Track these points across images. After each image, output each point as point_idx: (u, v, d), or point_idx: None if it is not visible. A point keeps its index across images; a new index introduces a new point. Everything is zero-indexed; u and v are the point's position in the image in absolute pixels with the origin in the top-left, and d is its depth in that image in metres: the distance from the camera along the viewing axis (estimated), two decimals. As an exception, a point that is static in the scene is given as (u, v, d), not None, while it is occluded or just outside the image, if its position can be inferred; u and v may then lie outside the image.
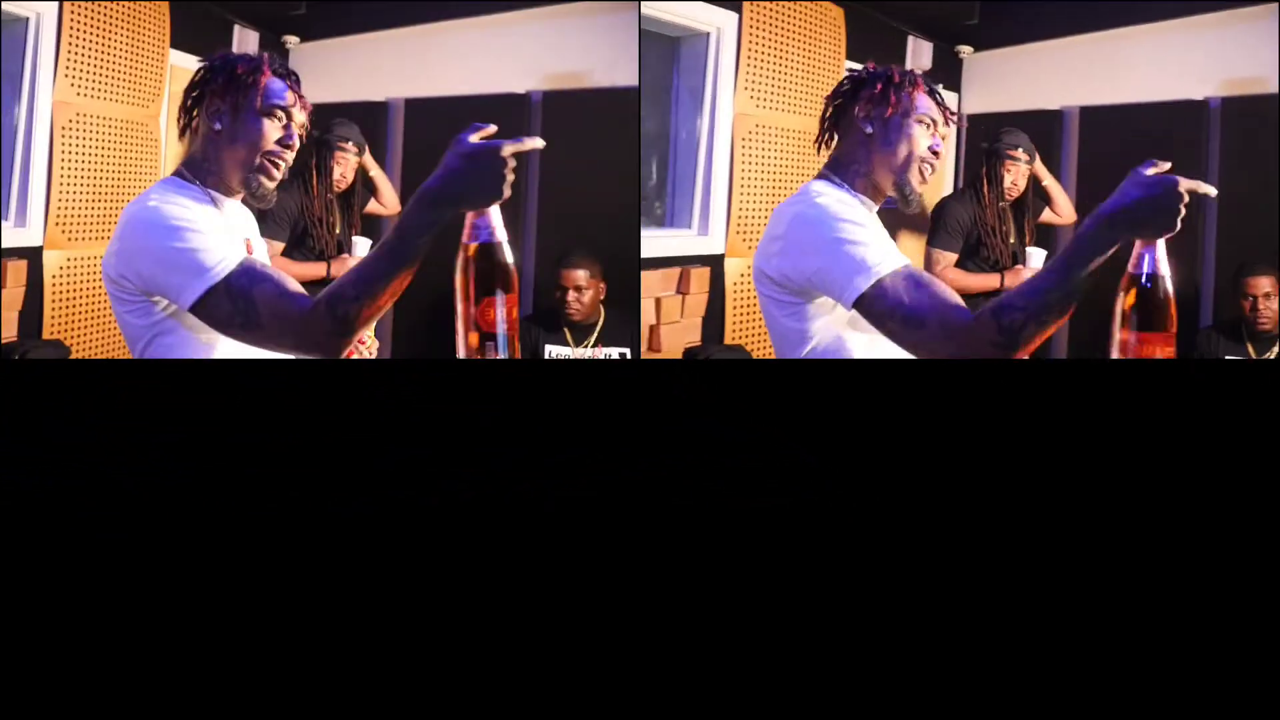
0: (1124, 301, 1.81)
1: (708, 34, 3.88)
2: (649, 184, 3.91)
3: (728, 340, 3.91)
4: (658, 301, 3.77)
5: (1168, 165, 1.84)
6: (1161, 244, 1.82)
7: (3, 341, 3.36)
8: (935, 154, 2.09)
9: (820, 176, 2.10)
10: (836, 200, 2.02)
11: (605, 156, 3.75)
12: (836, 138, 2.12)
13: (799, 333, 2.05)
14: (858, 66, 2.20)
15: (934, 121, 2.09)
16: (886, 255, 1.93)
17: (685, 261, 3.85)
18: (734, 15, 3.87)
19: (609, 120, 3.77)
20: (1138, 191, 1.81)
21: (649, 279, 3.75)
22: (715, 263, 3.92)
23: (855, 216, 1.98)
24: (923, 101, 2.09)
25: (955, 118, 2.16)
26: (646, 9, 3.67)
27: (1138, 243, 1.82)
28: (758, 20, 3.92)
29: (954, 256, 3.83)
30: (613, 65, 3.86)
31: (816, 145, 2.15)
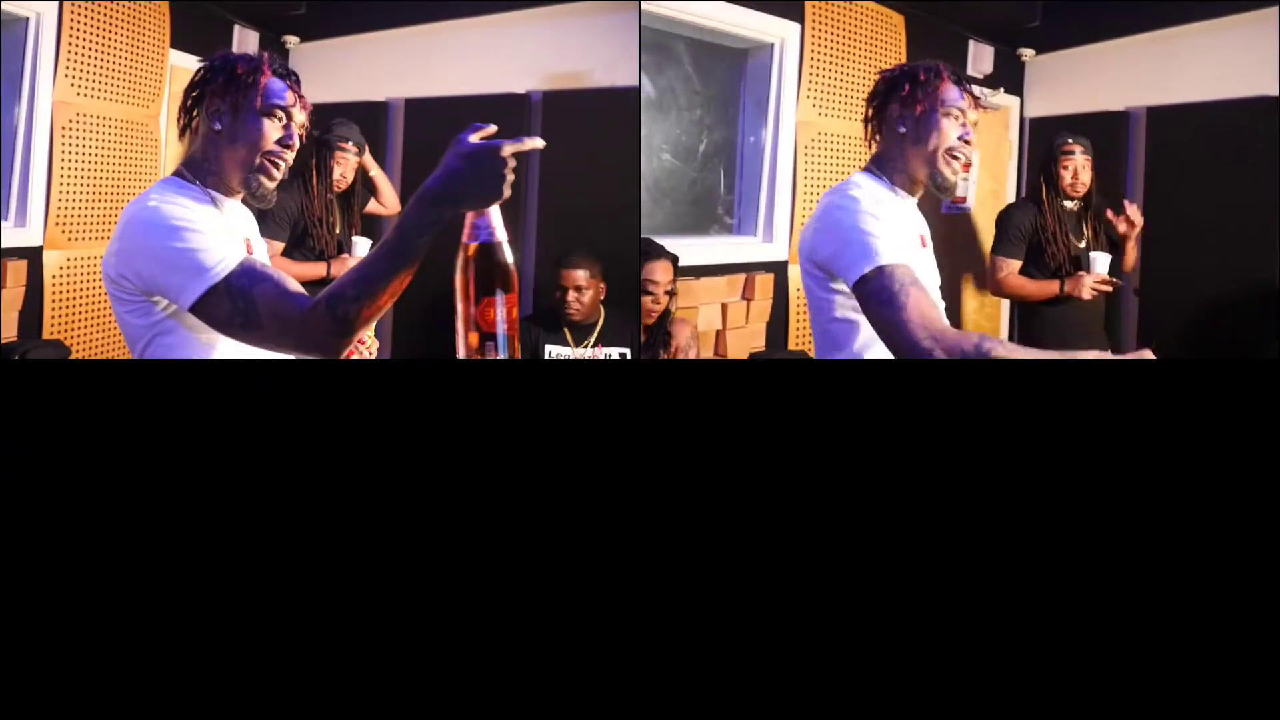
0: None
1: (772, 45, 3.92)
2: (717, 192, 3.96)
3: (791, 346, 3.96)
4: (724, 307, 3.84)
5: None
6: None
7: (3, 341, 3.36)
8: (966, 142, 2.23)
9: (865, 169, 2.29)
10: (868, 194, 2.18)
11: (605, 156, 3.74)
12: (880, 136, 2.29)
13: (827, 302, 2.20)
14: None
15: (962, 111, 2.22)
16: (894, 250, 2.07)
17: (750, 268, 3.91)
18: (797, 26, 3.90)
19: (609, 120, 3.77)
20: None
21: (715, 285, 3.80)
22: (779, 269, 3.97)
23: (878, 210, 2.13)
24: (950, 93, 2.22)
25: (982, 103, 2.30)
26: (713, 14, 3.71)
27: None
28: (819, 30, 3.96)
29: (1016, 263, 3.79)
30: (613, 65, 3.86)
31: (867, 144, 2.32)
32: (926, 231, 2.32)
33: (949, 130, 2.21)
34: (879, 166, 2.27)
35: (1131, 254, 3.86)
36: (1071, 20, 4.28)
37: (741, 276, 3.89)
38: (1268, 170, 3.82)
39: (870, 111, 2.31)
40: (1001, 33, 4.47)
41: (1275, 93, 3.85)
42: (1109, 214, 3.82)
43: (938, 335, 1.99)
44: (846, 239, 2.10)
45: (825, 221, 2.19)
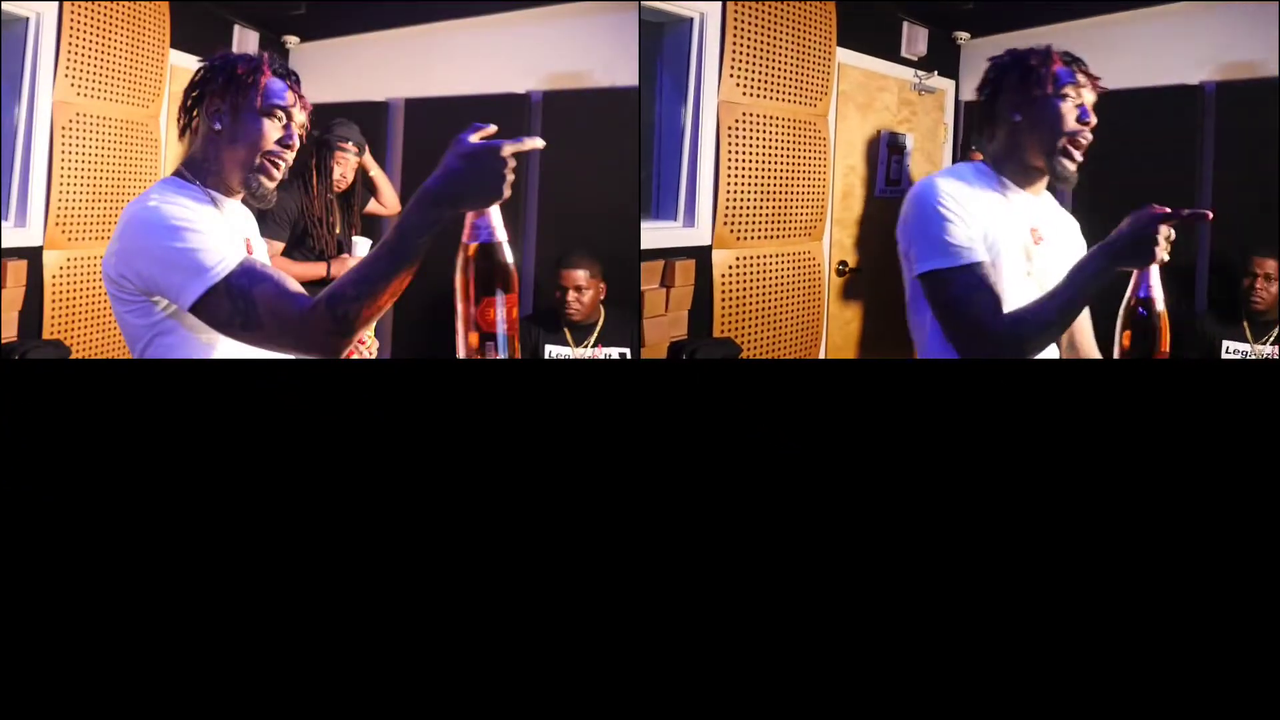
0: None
1: (691, 20, 3.77)
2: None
3: (716, 333, 3.82)
4: (640, 295, 3.65)
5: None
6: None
7: (3, 341, 3.36)
8: (1085, 124, 2.18)
9: (973, 162, 2.25)
10: (952, 186, 2.13)
11: (605, 156, 3.74)
12: (992, 128, 2.23)
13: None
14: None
15: (1078, 92, 2.18)
16: (963, 250, 2.08)
17: (671, 254, 3.73)
18: (718, 2, 3.77)
19: (609, 120, 3.77)
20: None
21: (629, 272, 3.67)
22: (702, 254, 3.80)
23: (958, 209, 2.10)
24: (1063, 73, 2.17)
25: (1099, 81, 2.23)
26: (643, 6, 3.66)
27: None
28: (744, 6, 3.82)
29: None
30: (613, 65, 3.85)
31: (979, 136, 2.27)
32: (1045, 225, 2.24)
33: (1067, 114, 2.17)
34: (994, 163, 2.21)
35: None
36: (1005, 4, 4.28)
37: (660, 263, 3.69)
38: (1188, 156, 3.96)
39: (980, 101, 2.26)
40: (936, 16, 4.46)
41: (1196, 81, 4.00)
42: None
43: (979, 351, 2.06)
44: (922, 232, 2.11)
45: (906, 210, 2.16)
